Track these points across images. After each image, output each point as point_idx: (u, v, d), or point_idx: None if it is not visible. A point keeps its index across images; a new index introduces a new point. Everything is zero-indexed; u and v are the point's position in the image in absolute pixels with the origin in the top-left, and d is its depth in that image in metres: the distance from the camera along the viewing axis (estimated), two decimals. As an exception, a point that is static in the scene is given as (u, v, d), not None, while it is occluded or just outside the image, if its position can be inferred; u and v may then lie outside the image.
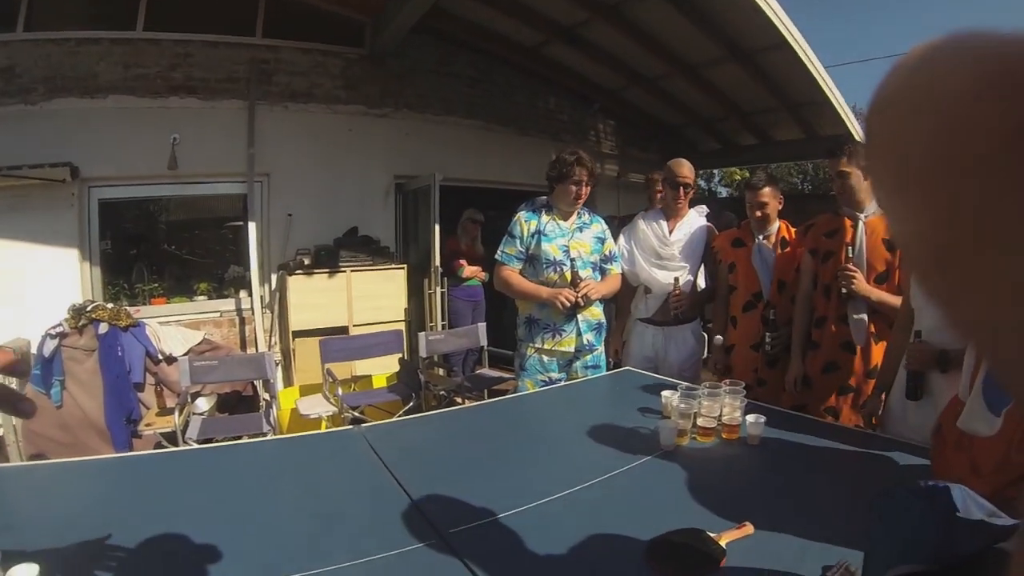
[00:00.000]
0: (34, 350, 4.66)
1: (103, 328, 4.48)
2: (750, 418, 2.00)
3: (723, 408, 2.04)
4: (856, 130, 6.36)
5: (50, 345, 4.44)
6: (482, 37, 6.31)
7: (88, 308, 4.62)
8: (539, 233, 2.98)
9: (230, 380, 4.41)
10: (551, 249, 2.96)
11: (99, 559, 1.33)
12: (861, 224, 2.57)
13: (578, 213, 3.06)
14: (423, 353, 4.46)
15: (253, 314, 5.46)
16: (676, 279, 3.19)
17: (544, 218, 3.00)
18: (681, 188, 3.24)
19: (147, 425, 4.29)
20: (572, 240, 3.00)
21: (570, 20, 5.79)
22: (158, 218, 5.88)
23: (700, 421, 2.02)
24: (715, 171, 16.08)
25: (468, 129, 6.39)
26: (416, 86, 6.19)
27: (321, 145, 5.72)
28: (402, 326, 5.26)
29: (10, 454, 4.41)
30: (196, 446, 3.38)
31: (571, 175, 2.89)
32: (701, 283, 3.45)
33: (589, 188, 2.94)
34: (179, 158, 5.13)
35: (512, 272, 3.00)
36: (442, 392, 4.65)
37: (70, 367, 4.45)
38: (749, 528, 1.39)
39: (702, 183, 16.61)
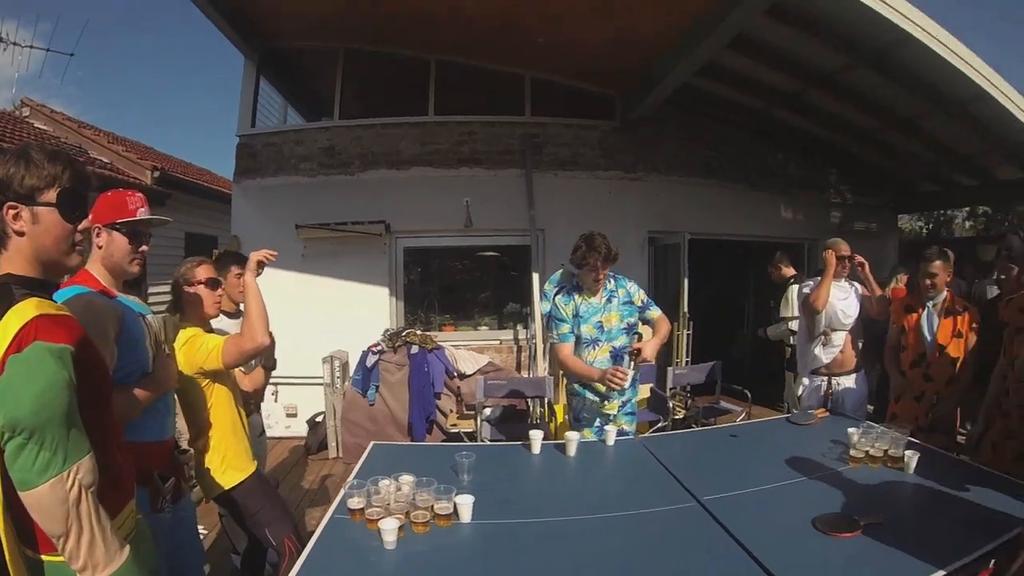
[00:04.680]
0: (351, 360, 5.98)
1: (414, 349, 5.65)
2: (908, 452, 2.55)
3: (890, 444, 2.62)
4: None
5: (372, 359, 5.69)
6: (715, 104, 6.91)
7: (403, 333, 5.83)
8: (577, 316, 3.22)
9: (515, 397, 5.26)
10: (588, 330, 3.21)
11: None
12: None
13: (604, 284, 3.24)
14: (670, 384, 5.12)
15: (529, 342, 6.36)
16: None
17: (578, 299, 3.22)
18: (846, 260, 3.83)
19: (452, 425, 5.36)
20: (604, 315, 3.23)
21: (790, 89, 6.20)
22: (450, 263, 7.08)
23: (871, 451, 2.61)
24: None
25: (706, 187, 6.95)
26: (662, 151, 6.88)
27: (586, 205, 6.50)
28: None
29: (329, 435, 5.73)
30: (490, 443, 4.25)
31: (587, 263, 3.08)
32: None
33: (607, 268, 3.11)
34: (470, 217, 6.28)
35: (569, 353, 3.23)
36: (684, 417, 5.34)
37: (384, 376, 5.64)
38: (880, 517, 2.02)
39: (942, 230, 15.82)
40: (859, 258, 3.85)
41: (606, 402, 3.26)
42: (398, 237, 6.52)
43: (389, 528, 1.88)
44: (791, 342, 5.51)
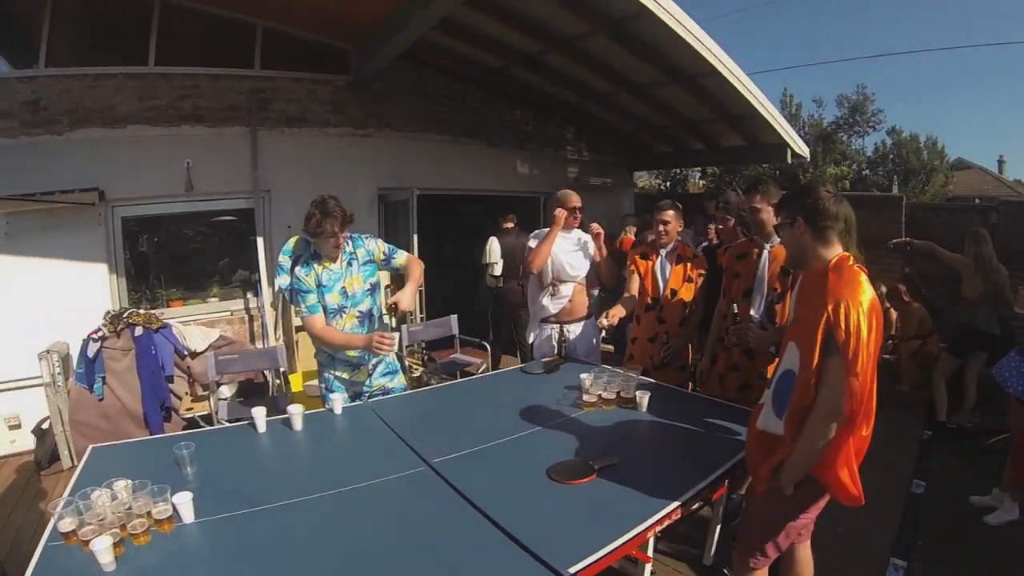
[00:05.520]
0: (73, 352, 5.35)
1: (139, 331, 5.20)
2: (639, 392, 2.81)
3: (622, 385, 2.86)
4: (791, 136, 7.11)
5: (93, 347, 5.10)
6: (453, 61, 6.96)
7: (125, 314, 5.33)
8: (320, 286, 3.10)
9: (249, 370, 5.14)
10: (333, 298, 3.10)
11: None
12: (766, 252, 3.01)
13: (342, 248, 3.14)
14: (406, 341, 5.21)
15: (260, 311, 6.13)
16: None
17: (318, 268, 3.09)
18: (576, 211, 3.90)
19: (187, 410, 5.08)
20: (347, 280, 3.14)
21: (530, 50, 6.41)
22: (174, 231, 6.51)
23: (604, 394, 2.85)
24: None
25: (441, 143, 7.08)
26: (395, 107, 6.84)
27: (314, 164, 6.33)
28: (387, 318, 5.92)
29: (60, 443, 5.07)
30: (228, 424, 4.08)
31: (323, 231, 2.93)
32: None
33: (344, 232, 3.01)
34: (192, 179, 5.82)
35: (323, 324, 3.10)
36: (421, 375, 5.50)
37: (110, 365, 5.12)
38: (615, 458, 2.21)
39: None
40: (596, 228, 3.87)
41: (358, 370, 3.22)
42: (115, 206, 5.83)
43: (101, 548, 1.70)
44: (499, 285, 5.95)
